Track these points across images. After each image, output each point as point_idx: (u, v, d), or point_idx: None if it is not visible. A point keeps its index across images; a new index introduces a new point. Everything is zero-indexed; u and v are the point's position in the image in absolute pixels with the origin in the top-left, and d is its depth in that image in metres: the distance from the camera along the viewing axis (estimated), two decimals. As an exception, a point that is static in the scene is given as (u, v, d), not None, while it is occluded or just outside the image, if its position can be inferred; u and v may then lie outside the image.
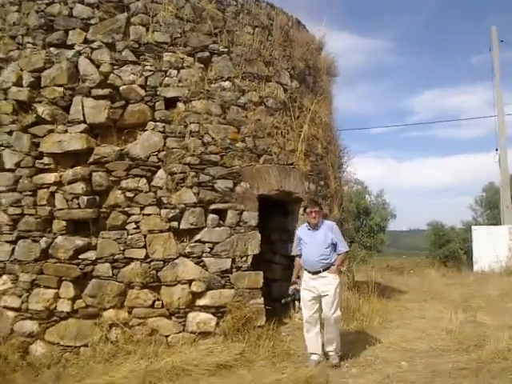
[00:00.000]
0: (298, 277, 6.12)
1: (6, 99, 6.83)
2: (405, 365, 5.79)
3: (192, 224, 6.60)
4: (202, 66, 7.03)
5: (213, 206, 6.74)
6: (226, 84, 7.13)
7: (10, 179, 6.65)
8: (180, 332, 6.40)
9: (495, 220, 28.72)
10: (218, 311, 6.57)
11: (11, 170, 6.70)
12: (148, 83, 6.77)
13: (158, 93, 6.78)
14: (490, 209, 32.63)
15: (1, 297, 6.47)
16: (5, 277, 6.51)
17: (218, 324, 6.51)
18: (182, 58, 6.96)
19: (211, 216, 6.72)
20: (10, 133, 6.76)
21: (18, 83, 6.80)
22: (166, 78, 6.86)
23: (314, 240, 5.82)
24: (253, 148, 7.16)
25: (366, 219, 28.81)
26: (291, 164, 7.58)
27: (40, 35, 6.84)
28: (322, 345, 5.84)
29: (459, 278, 15.49)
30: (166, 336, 6.35)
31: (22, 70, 6.83)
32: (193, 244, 6.59)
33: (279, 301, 7.63)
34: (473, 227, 20.31)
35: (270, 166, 7.28)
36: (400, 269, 20.47)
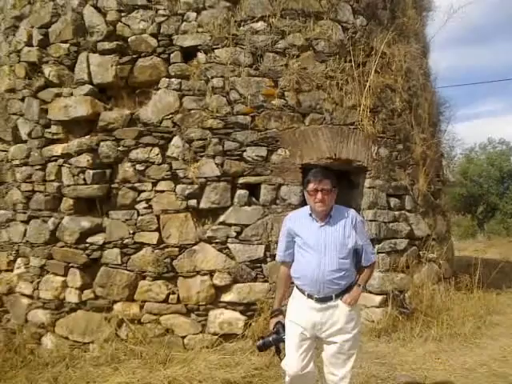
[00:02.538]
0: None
1: (19, 61, 6.11)
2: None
3: (214, 202, 5.38)
4: (228, 4, 5.61)
5: (241, 180, 5.43)
6: (259, 25, 5.63)
7: (23, 151, 5.98)
8: (199, 333, 5.29)
9: None
10: (248, 309, 5.33)
11: (25, 142, 6.02)
12: (161, 31, 5.57)
13: (173, 42, 5.56)
14: None
15: (17, 282, 5.92)
16: (19, 260, 5.95)
17: (247, 325, 5.30)
18: (204, -3, 5.63)
19: (239, 192, 5.42)
20: (23, 99, 6.05)
21: (29, 42, 6.03)
22: (184, 24, 5.58)
23: (323, 241, 3.23)
24: (295, 105, 5.63)
25: (511, 184, 24.73)
26: (351, 124, 5.90)
27: (48, -16, 5.96)
28: None
29: None
30: (183, 337, 5.30)
31: (32, 27, 6.03)
32: (215, 227, 5.38)
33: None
34: None
35: (320, 127, 5.70)
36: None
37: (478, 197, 24.09)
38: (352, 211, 3.41)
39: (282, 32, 5.66)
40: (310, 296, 3.22)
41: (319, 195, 3.21)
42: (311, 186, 3.26)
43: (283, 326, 3.31)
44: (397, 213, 6.12)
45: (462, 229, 23.40)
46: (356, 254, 3.32)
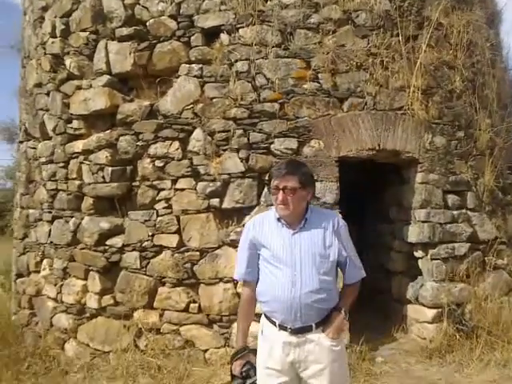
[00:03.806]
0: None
1: (45, 54, 5.86)
2: None
3: (238, 202, 4.80)
4: (254, -24, 4.99)
5: (268, 176, 4.81)
6: (289, -1, 4.96)
7: (48, 148, 5.74)
8: (221, 347, 4.77)
9: None
10: (276, 321, 4.74)
11: (51, 138, 5.78)
12: (181, 12, 5.07)
13: (194, 23, 5.03)
14: None
15: (44, 284, 5.70)
16: (45, 261, 5.74)
17: (274, 339, 4.70)
18: (228, -30, 5.03)
19: (266, 190, 4.80)
20: (49, 94, 5.80)
21: (53, 33, 5.75)
22: (205, 2, 5.03)
23: (298, 252, 2.49)
24: (331, 89, 4.90)
25: None
26: (399, 108, 5.05)
27: (69, -30, 5.64)
28: None
29: None
30: (204, 351, 4.80)
31: (55, 16, 5.75)
32: (240, 229, 4.77)
33: (400, 301, 5.47)
34: None
35: (360, 113, 4.93)
36: None
37: None
38: (333, 213, 2.68)
39: (315, 5, 4.96)
40: (282, 327, 2.47)
41: (280, 195, 2.48)
42: (274, 182, 2.54)
43: (254, 368, 2.53)
44: (456, 212, 5.18)
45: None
46: (338, 268, 2.59)
